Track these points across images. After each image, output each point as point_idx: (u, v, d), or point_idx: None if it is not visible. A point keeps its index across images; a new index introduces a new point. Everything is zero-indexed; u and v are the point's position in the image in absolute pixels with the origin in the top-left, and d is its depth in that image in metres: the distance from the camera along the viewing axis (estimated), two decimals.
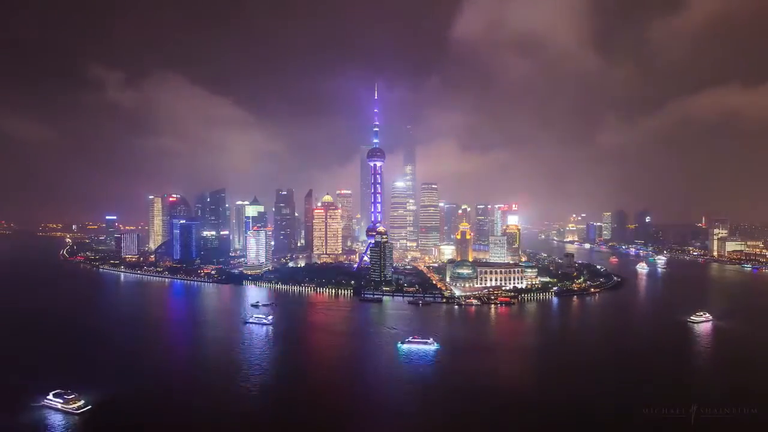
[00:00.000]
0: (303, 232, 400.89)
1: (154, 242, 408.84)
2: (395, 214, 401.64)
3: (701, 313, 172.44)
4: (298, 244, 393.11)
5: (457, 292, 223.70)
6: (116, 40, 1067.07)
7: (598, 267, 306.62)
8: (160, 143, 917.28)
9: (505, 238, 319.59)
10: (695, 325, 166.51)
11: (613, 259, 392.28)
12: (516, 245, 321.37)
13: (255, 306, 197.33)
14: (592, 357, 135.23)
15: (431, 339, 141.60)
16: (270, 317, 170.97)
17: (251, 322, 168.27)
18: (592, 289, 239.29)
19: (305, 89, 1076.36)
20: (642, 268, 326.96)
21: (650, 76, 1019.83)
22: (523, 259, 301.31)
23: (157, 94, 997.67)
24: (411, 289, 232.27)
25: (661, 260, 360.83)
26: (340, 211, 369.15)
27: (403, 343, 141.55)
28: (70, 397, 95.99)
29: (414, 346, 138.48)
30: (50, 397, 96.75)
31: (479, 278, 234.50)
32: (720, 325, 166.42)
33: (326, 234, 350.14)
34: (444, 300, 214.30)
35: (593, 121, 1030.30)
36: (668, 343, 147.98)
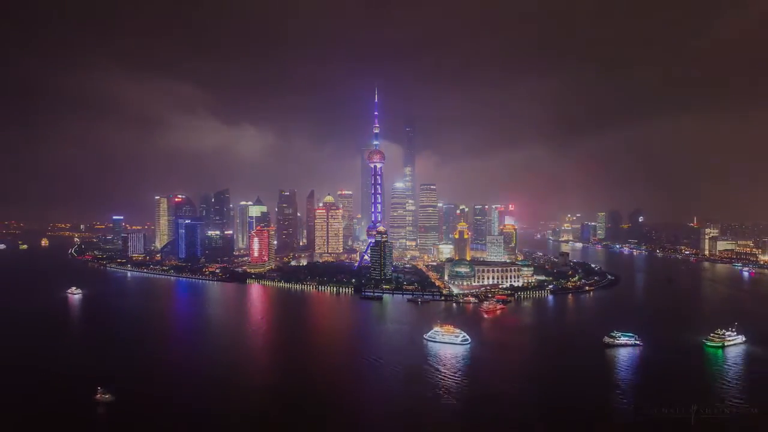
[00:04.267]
0: (305, 231, 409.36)
1: (160, 241, 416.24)
2: (395, 214, 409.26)
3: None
4: (300, 244, 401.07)
5: (455, 290, 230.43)
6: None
7: (593, 265, 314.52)
8: (164, 145, 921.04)
9: (502, 237, 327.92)
10: None
11: None
12: (512, 244, 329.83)
13: None
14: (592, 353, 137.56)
15: None
16: None
17: None
18: (587, 287, 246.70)
19: (306, 91, 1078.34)
20: None
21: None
22: (520, 258, 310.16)
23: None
24: (410, 287, 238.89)
25: None
26: (341, 211, 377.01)
27: None
28: None
29: None
30: None
31: (477, 276, 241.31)
32: None
33: (327, 233, 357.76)
34: (442, 298, 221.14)
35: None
36: None
